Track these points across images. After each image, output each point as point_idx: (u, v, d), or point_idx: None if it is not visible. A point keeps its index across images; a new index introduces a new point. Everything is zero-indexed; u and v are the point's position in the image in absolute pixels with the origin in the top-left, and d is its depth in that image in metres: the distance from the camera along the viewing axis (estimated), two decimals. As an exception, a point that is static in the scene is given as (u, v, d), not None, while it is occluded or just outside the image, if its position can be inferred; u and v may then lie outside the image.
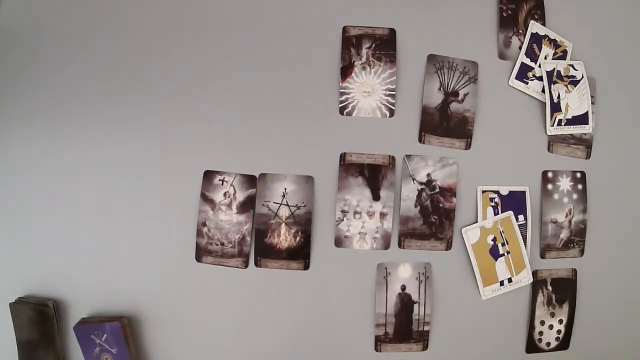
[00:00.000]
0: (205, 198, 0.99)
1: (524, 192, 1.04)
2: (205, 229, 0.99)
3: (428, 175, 1.01)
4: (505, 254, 1.02)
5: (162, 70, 1.00)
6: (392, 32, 1.03)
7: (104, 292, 0.98)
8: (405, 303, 1.01)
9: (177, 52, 1.01)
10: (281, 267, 1.00)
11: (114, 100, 1.00)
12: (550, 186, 1.05)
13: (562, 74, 1.06)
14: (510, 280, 1.02)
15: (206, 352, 1.00)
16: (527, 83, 1.06)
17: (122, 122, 1.00)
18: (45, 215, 0.98)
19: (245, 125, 1.01)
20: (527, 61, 1.06)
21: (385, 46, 1.02)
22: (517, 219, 1.03)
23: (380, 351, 1.02)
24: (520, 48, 1.06)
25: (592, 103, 1.06)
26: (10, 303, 0.94)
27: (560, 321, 1.05)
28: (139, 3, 1.01)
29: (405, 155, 1.01)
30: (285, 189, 0.99)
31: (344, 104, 1.01)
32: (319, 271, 1.00)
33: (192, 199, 0.99)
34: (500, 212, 1.03)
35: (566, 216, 1.05)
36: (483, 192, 1.03)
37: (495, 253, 1.02)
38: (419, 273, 1.01)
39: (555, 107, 1.05)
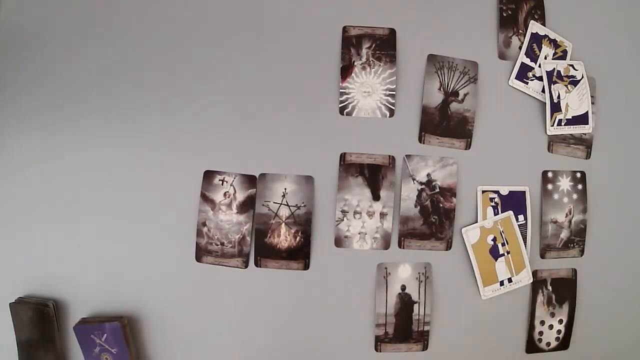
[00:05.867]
0: (205, 198, 0.99)
1: (524, 192, 1.04)
2: (205, 229, 0.99)
3: (428, 175, 1.01)
4: (505, 254, 1.02)
5: (162, 70, 1.00)
6: (392, 32, 1.03)
7: (104, 292, 0.98)
8: (405, 303, 1.01)
9: (177, 52, 1.01)
10: (281, 267, 1.00)
11: (114, 100, 1.00)
12: (550, 186, 1.05)
13: (562, 74, 1.06)
14: (510, 280, 1.02)
15: (206, 352, 1.00)
16: (527, 83, 1.06)
17: (122, 122, 1.00)
18: (45, 215, 0.98)
19: (245, 125, 1.01)
20: (527, 61, 1.06)
21: (385, 46, 1.02)
22: (517, 219, 1.03)
23: (380, 351, 1.02)
24: (520, 48, 1.06)
25: (592, 103, 1.06)
26: (10, 303, 0.95)
27: (560, 321, 1.05)
28: (139, 3, 1.01)
29: (405, 155, 1.01)
30: (285, 189, 0.99)
31: (344, 104, 1.01)
32: (319, 271, 1.00)
33: (192, 199, 0.99)
34: (500, 212, 1.03)
35: (566, 216, 1.05)
36: (483, 192, 1.03)
37: (495, 253, 1.02)
38: (419, 273, 1.01)
39: (555, 107, 1.05)
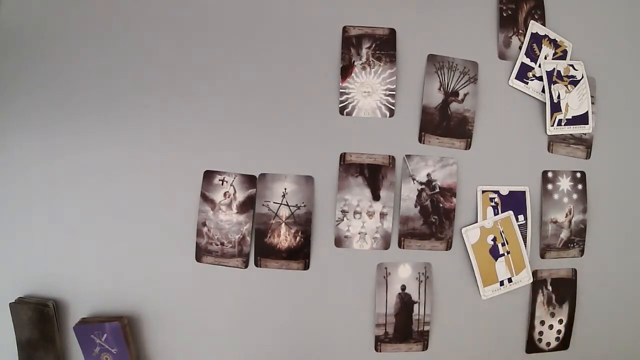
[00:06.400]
0: (205, 198, 0.99)
1: (524, 192, 1.04)
2: (205, 229, 0.99)
3: (428, 175, 1.01)
4: (505, 254, 1.02)
5: (162, 70, 1.00)
6: (392, 32, 1.03)
7: (104, 292, 0.98)
8: (405, 303, 1.01)
9: (177, 53, 1.01)
10: (281, 267, 1.00)
11: (114, 100, 1.00)
12: (550, 186, 1.05)
13: (562, 74, 1.06)
14: (510, 280, 1.02)
15: (206, 352, 1.00)
16: (527, 83, 1.06)
17: (122, 122, 1.00)
18: (45, 215, 0.98)
19: (245, 125, 1.01)
20: (527, 61, 1.06)
21: (385, 46, 1.02)
22: (517, 219, 1.03)
23: (380, 351, 1.02)
24: (520, 48, 1.06)
25: (592, 103, 1.06)
26: (10, 303, 0.95)
27: (560, 321, 1.05)
28: (139, 3, 1.01)
29: (405, 155, 1.01)
30: (285, 189, 0.99)
31: (344, 104, 1.01)
32: (319, 271, 1.00)
33: (192, 199, 0.99)
34: (500, 212, 1.03)
35: (566, 216, 1.05)
36: (483, 192, 1.03)
37: (495, 253, 1.02)
38: (419, 273, 1.01)
39: (555, 107, 1.05)
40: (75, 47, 1.00)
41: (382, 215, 1.00)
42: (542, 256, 1.05)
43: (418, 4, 1.05)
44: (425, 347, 1.02)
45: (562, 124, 1.05)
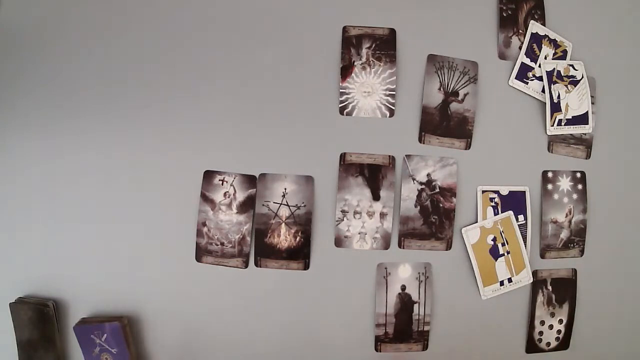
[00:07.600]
0: (205, 198, 0.99)
1: (524, 192, 1.04)
2: (205, 229, 0.99)
3: (428, 175, 1.01)
4: (505, 254, 1.02)
5: (162, 70, 1.00)
6: (392, 32, 1.03)
7: (104, 292, 0.98)
8: (405, 303, 1.01)
9: (177, 52, 1.01)
10: (281, 267, 1.00)
11: (114, 100, 1.00)
12: (550, 186, 1.05)
13: (562, 74, 1.06)
14: (510, 280, 1.02)
15: (206, 352, 1.00)
16: (527, 83, 1.06)
17: (122, 122, 1.00)
18: (45, 215, 0.98)
19: (245, 125, 1.01)
20: (527, 61, 1.06)
21: (385, 46, 1.02)
22: (517, 219, 1.03)
23: (380, 351, 1.02)
24: (520, 48, 1.06)
25: (592, 103, 1.06)
26: (10, 303, 0.95)
27: (560, 321, 1.06)
28: (139, 3, 1.01)
29: (405, 155, 1.01)
30: (285, 189, 0.99)
31: (344, 104, 1.01)
32: (319, 271, 1.01)
33: (192, 199, 0.99)
34: (500, 212, 1.03)
35: (566, 216, 1.05)
36: (483, 192, 1.03)
37: (495, 253, 1.02)
38: (419, 273, 1.01)
39: (555, 107, 1.05)
40: (75, 47, 1.00)
41: (382, 215, 1.00)
42: (542, 256, 1.05)
43: (418, 4, 1.05)
44: (425, 347, 1.02)
45: (562, 124, 1.05)
